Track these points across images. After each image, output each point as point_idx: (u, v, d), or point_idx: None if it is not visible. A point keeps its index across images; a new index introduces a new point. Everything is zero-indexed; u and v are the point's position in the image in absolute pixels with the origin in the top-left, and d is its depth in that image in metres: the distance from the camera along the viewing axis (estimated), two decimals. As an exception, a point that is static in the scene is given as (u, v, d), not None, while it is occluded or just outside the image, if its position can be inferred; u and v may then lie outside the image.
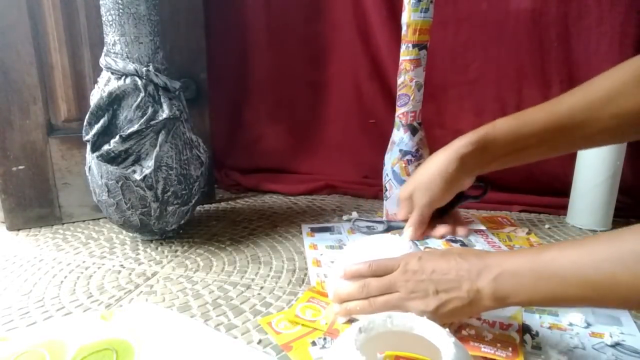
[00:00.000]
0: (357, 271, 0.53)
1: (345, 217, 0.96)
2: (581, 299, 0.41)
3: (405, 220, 0.61)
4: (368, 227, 0.84)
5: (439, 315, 0.47)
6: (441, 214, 0.62)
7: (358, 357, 0.37)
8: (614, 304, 0.46)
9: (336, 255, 0.76)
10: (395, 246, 0.58)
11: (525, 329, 0.54)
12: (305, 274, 0.70)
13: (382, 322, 0.43)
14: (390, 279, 0.50)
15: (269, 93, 1.25)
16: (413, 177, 0.60)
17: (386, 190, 0.86)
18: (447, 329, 0.41)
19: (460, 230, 0.61)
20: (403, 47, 0.79)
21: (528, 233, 0.85)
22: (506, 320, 0.55)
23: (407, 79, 0.80)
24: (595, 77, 0.51)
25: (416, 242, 0.61)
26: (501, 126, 0.55)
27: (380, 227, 0.68)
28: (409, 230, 0.60)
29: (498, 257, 0.46)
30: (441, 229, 0.61)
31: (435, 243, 0.80)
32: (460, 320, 0.53)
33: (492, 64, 1.04)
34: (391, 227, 0.68)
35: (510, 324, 0.54)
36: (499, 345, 0.49)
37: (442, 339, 0.40)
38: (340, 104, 1.21)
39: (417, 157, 0.82)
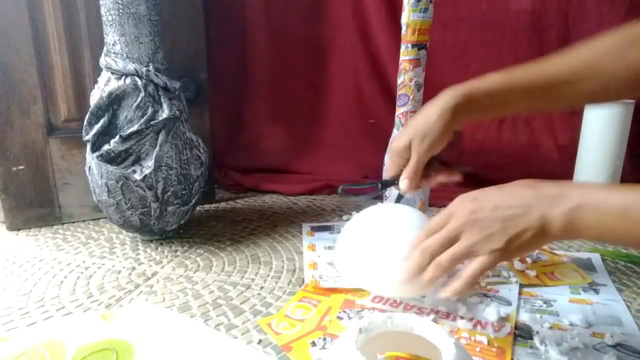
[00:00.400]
0: (419, 238, 0.49)
1: (345, 217, 0.96)
2: None
3: (398, 176, 0.60)
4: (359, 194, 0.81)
5: (511, 251, 0.44)
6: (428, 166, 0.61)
7: (359, 357, 0.37)
8: None
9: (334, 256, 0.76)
10: (406, 216, 0.58)
11: (525, 329, 0.54)
12: (305, 274, 0.70)
13: (382, 323, 0.43)
14: (449, 229, 0.46)
15: (269, 93, 1.25)
16: (407, 128, 0.59)
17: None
18: (447, 330, 0.41)
19: (454, 176, 0.61)
20: (402, 47, 0.79)
21: None
22: (497, 322, 0.55)
23: (406, 79, 0.80)
24: (583, 42, 0.53)
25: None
26: (490, 81, 0.57)
27: (380, 186, 0.67)
28: (404, 182, 0.59)
29: (578, 188, 0.43)
30: (437, 177, 0.60)
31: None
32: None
33: (492, 64, 1.03)
34: (385, 185, 0.66)
35: (502, 326, 0.54)
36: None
37: (443, 339, 0.40)
38: (340, 104, 1.21)
39: (416, 157, 0.81)
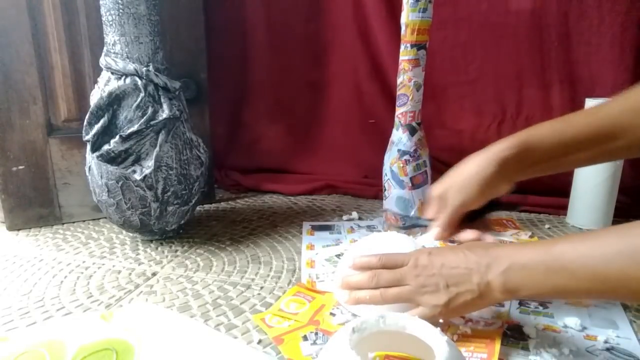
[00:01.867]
0: (366, 262, 0.54)
1: (345, 217, 0.96)
2: (591, 292, 0.41)
3: (431, 220, 0.60)
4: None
5: (450, 309, 0.48)
6: (471, 220, 0.59)
7: (353, 357, 0.37)
8: (624, 298, 0.47)
9: (331, 252, 0.76)
10: (401, 245, 0.58)
11: (517, 330, 0.54)
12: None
13: (374, 322, 0.43)
14: (401, 272, 0.50)
15: (269, 93, 1.25)
16: (448, 176, 0.58)
17: (385, 190, 0.86)
18: (439, 328, 0.41)
19: (488, 238, 0.58)
20: (402, 47, 0.79)
21: (531, 236, 0.85)
22: (490, 320, 0.55)
23: (405, 79, 0.80)
24: (637, 84, 0.50)
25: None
26: (543, 130, 0.53)
27: (407, 222, 0.69)
28: (436, 230, 0.59)
29: (507, 250, 0.46)
30: (468, 234, 0.58)
31: (433, 244, 0.80)
32: (469, 312, 0.54)
33: (492, 64, 1.04)
34: (416, 225, 0.67)
35: (493, 322, 0.54)
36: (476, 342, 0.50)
37: (435, 338, 0.40)
38: (340, 104, 1.21)
39: (415, 157, 0.82)
